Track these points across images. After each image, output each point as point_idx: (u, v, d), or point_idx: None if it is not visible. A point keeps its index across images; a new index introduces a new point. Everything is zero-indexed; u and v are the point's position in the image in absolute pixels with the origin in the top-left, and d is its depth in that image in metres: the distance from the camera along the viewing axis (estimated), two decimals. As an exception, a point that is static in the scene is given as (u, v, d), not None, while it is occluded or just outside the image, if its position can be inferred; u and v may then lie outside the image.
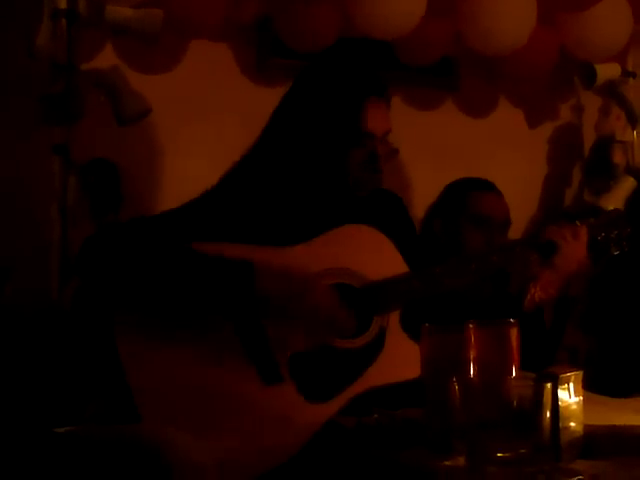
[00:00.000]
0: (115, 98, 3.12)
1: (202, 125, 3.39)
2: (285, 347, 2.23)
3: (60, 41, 3.05)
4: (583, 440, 1.83)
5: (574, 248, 2.52)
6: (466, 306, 2.49)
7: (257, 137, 2.42)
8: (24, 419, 2.72)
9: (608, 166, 3.97)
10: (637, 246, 2.64)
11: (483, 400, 1.71)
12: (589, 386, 1.91)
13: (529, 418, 1.68)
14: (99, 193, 3.15)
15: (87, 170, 3.13)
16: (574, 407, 1.82)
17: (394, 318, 2.33)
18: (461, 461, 1.75)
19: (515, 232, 3.39)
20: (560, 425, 1.78)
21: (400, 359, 2.26)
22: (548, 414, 1.70)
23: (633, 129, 4.02)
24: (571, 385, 1.81)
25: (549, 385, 1.72)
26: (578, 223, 2.56)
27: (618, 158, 3.97)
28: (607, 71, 3.87)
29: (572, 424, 1.81)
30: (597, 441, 1.85)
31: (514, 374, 1.91)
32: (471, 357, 1.91)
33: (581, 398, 1.83)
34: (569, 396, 1.81)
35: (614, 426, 1.96)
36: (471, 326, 1.93)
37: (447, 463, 1.80)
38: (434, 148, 3.76)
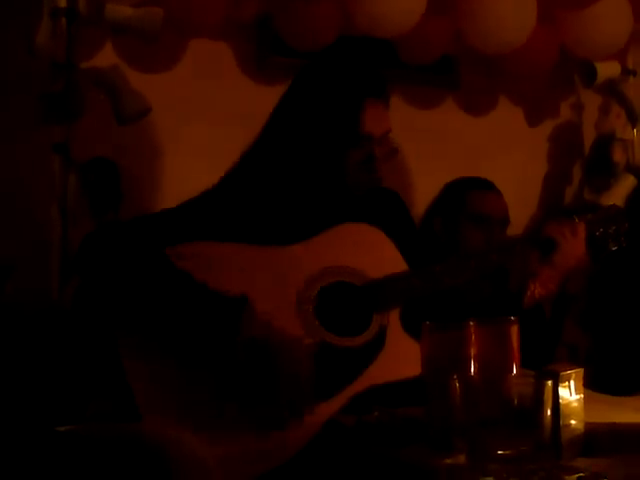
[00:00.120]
0: (115, 97, 3.12)
1: (202, 124, 3.38)
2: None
3: (60, 40, 3.05)
4: (584, 438, 1.83)
5: (573, 244, 2.52)
6: (466, 304, 2.50)
7: (256, 136, 2.42)
8: (25, 418, 2.72)
9: (608, 164, 3.97)
10: (636, 243, 2.65)
11: (484, 398, 1.71)
12: (589, 384, 1.91)
13: (530, 416, 1.68)
14: (99, 192, 3.15)
15: (87, 169, 3.13)
16: (575, 405, 1.82)
17: (394, 316, 2.33)
18: (462, 459, 1.75)
19: (515, 230, 3.39)
20: (561, 423, 1.78)
21: (400, 357, 2.26)
22: (549, 412, 1.70)
23: (633, 127, 4.02)
24: (572, 383, 1.81)
25: (550, 383, 1.72)
26: (576, 219, 2.56)
27: (618, 156, 3.97)
28: (607, 69, 3.87)
29: (573, 422, 1.81)
30: (598, 439, 1.85)
31: (515, 372, 1.91)
32: (472, 355, 1.91)
33: (582, 396, 1.83)
34: (570, 394, 1.81)
35: (614, 424, 1.96)
36: (471, 324, 1.93)
37: (448, 461, 1.80)
38: (434, 146, 3.76)
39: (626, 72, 3.98)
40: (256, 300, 2.19)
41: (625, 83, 3.99)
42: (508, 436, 1.67)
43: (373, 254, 2.34)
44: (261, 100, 3.34)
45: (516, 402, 1.68)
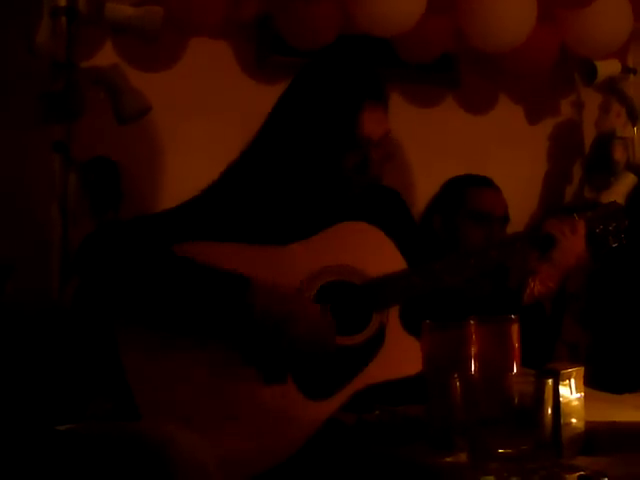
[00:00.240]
0: (115, 96, 3.12)
1: (202, 123, 3.38)
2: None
3: (60, 39, 3.05)
4: (584, 436, 1.84)
5: (572, 242, 2.52)
6: (466, 301, 2.50)
7: (255, 134, 2.42)
8: (25, 417, 2.72)
9: (609, 163, 3.97)
10: (636, 241, 2.65)
11: (484, 397, 1.71)
12: (589, 382, 1.91)
13: (530, 414, 1.68)
14: (99, 191, 3.15)
15: (87, 168, 3.13)
16: (575, 403, 1.82)
17: (394, 314, 2.33)
18: (462, 457, 1.75)
19: (516, 228, 3.39)
20: (561, 421, 1.78)
21: (400, 355, 2.26)
22: (549, 410, 1.70)
23: (633, 125, 4.02)
24: (572, 381, 1.82)
25: (550, 381, 1.72)
26: (576, 216, 2.56)
27: (619, 154, 3.97)
28: (607, 68, 3.87)
29: (573, 420, 1.82)
30: (598, 437, 1.85)
31: (515, 370, 1.91)
32: (472, 354, 1.91)
33: (582, 394, 1.84)
34: (570, 392, 1.81)
35: (615, 422, 1.96)
36: (472, 323, 1.93)
37: (448, 460, 1.80)
38: (435, 145, 3.76)
39: (626, 70, 3.98)
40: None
41: (625, 81, 4.00)
42: (509, 435, 1.66)
43: (372, 253, 2.34)
44: (261, 99, 3.33)
45: (516, 401, 1.68)
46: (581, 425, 1.84)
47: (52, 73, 3.06)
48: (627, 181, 3.92)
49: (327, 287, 2.28)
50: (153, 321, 2.19)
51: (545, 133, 4.15)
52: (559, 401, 1.78)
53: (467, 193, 3.25)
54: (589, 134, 4.16)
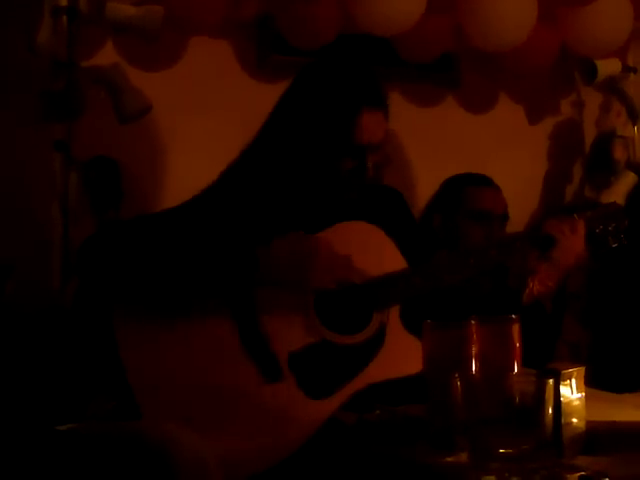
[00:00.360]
0: (116, 95, 3.12)
1: (202, 122, 3.38)
2: (285, 343, 2.23)
3: (61, 38, 3.05)
4: (585, 436, 1.84)
5: (572, 241, 2.53)
6: (466, 301, 2.50)
7: (255, 134, 2.42)
8: (25, 417, 2.72)
9: (609, 162, 3.97)
10: (636, 241, 2.65)
11: (485, 396, 1.71)
12: (590, 381, 1.91)
13: (531, 414, 1.68)
14: (100, 190, 3.15)
15: (88, 167, 3.13)
16: (576, 403, 1.82)
17: (394, 314, 2.33)
18: (463, 457, 1.75)
19: (516, 228, 3.39)
20: (562, 421, 1.78)
21: (400, 354, 2.26)
22: (550, 410, 1.70)
23: (634, 125, 4.02)
24: (573, 381, 1.82)
25: (551, 381, 1.72)
26: (576, 216, 2.57)
27: (619, 154, 3.97)
28: (608, 67, 3.87)
29: (574, 420, 1.82)
30: (599, 437, 1.86)
31: (516, 370, 1.91)
32: (473, 353, 1.91)
33: (583, 394, 1.84)
34: (571, 392, 1.81)
35: (615, 422, 1.96)
36: (473, 322, 1.93)
37: (449, 459, 1.80)
38: (435, 144, 3.76)
39: (626, 69, 3.98)
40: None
41: (625, 81, 4.00)
42: (509, 434, 1.66)
43: (373, 252, 2.34)
44: (261, 98, 3.33)
45: (517, 400, 1.68)
46: (582, 425, 1.84)
47: (53, 72, 3.07)
48: (627, 180, 3.92)
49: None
50: (153, 318, 2.19)
51: (545, 132, 4.15)
52: (560, 401, 1.78)
53: (466, 192, 3.24)
54: (589, 133, 4.16)
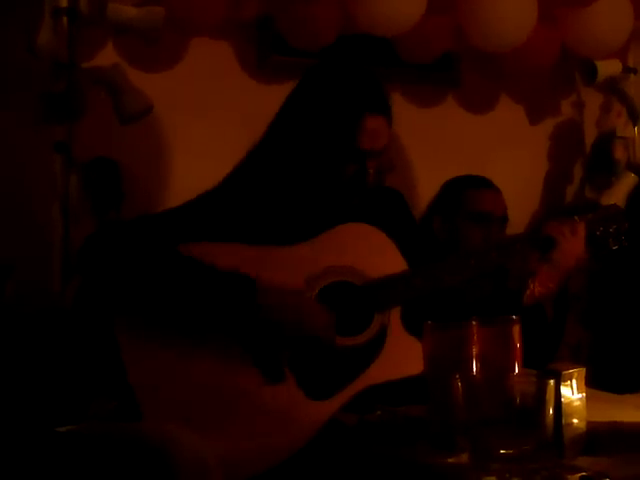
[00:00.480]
0: (116, 96, 3.12)
1: (203, 122, 3.38)
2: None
3: (61, 39, 3.05)
4: (586, 437, 1.84)
5: (572, 243, 2.53)
6: (466, 302, 2.50)
7: (261, 137, 2.42)
8: (26, 418, 2.72)
9: (609, 162, 3.97)
10: (637, 242, 2.65)
11: (486, 397, 1.71)
12: (590, 382, 1.91)
13: (532, 415, 1.68)
14: (100, 191, 3.15)
15: (88, 168, 3.13)
16: (577, 404, 1.82)
17: (395, 315, 2.33)
18: (464, 458, 1.76)
19: (516, 229, 3.39)
20: (563, 422, 1.78)
21: (401, 356, 2.26)
22: (551, 411, 1.70)
23: (634, 125, 4.02)
24: (574, 382, 1.82)
25: (552, 382, 1.72)
26: (576, 218, 2.57)
27: (619, 154, 3.97)
28: (608, 67, 3.87)
29: (575, 421, 1.82)
30: (600, 438, 1.86)
31: (517, 371, 1.92)
32: (474, 354, 1.91)
33: (584, 395, 1.84)
34: (572, 393, 1.81)
35: (616, 423, 1.96)
36: (474, 323, 1.93)
37: (450, 460, 1.80)
38: (435, 145, 3.76)
39: (627, 70, 3.97)
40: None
41: (626, 81, 3.99)
42: (510, 435, 1.67)
43: (374, 254, 2.35)
44: (262, 99, 3.35)
45: (518, 401, 1.68)
46: (583, 425, 1.84)
47: (53, 73, 3.06)
48: (628, 181, 3.92)
49: (329, 288, 2.28)
50: (155, 319, 2.19)
51: (546, 133, 4.14)
52: (561, 401, 1.78)
53: (466, 194, 3.24)
54: (590, 134, 4.16)
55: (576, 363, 1.90)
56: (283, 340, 2.20)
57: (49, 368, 2.85)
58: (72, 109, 3.05)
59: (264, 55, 3.55)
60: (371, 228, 2.37)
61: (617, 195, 3.81)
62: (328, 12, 3.32)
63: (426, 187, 3.51)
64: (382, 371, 2.27)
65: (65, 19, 3.07)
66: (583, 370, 1.85)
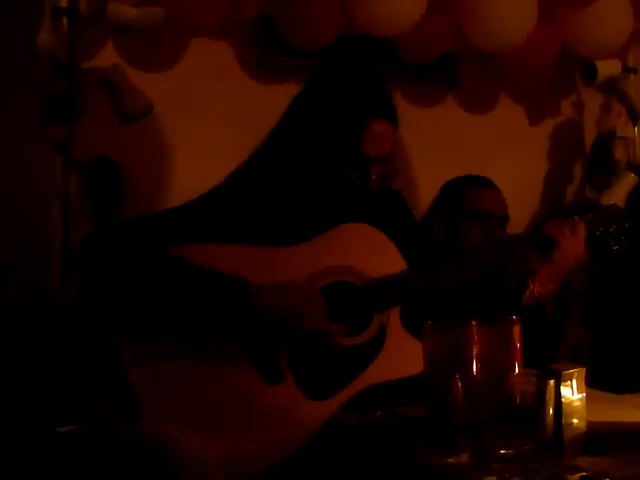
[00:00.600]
0: (116, 96, 3.12)
1: (202, 123, 3.38)
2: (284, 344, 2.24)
3: (61, 39, 3.05)
4: (586, 437, 1.84)
5: (572, 244, 2.53)
6: (466, 302, 2.50)
7: (264, 138, 2.42)
8: (26, 418, 2.72)
9: (609, 162, 3.97)
10: (637, 242, 2.65)
11: (486, 397, 1.71)
12: (590, 382, 1.92)
13: (532, 415, 1.68)
14: (100, 191, 3.15)
15: (89, 168, 3.13)
16: (577, 404, 1.83)
17: (395, 315, 2.33)
18: (464, 458, 1.76)
19: (516, 229, 3.39)
20: (563, 422, 1.78)
21: (401, 356, 2.27)
22: (551, 411, 1.70)
23: (634, 125, 4.02)
24: (574, 382, 1.82)
25: (552, 382, 1.72)
26: (576, 218, 2.57)
27: (619, 154, 3.97)
28: (608, 68, 3.87)
29: (575, 421, 1.82)
30: (600, 438, 1.86)
31: (517, 371, 1.92)
32: (474, 354, 1.91)
33: (584, 395, 1.84)
34: (572, 393, 1.81)
35: (616, 423, 1.96)
36: (474, 323, 1.93)
37: (450, 460, 1.81)
38: (435, 145, 3.76)
39: (627, 70, 3.97)
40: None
41: (626, 81, 3.99)
42: (510, 435, 1.67)
43: (374, 254, 2.35)
44: (261, 99, 3.35)
45: (518, 401, 1.68)
46: (582, 425, 1.84)
47: (53, 74, 3.06)
48: (628, 181, 3.92)
49: (329, 288, 2.28)
50: (154, 318, 2.19)
51: (546, 133, 4.14)
52: (561, 401, 1.78)
53: (466, 193, 3.24)
54: (590, 134, 4.15)
55: (576, 363, 1.90)
56: (282, 338, 2.20)
57: (49, 368, 2.85)
58: (72, 109, 3.05)
59: (264, 55, 3.55)
60: (371, 228, 2.37)
61: (617, 195, 3.81)
62: (328, 12, 3.32)
63: (426, 187, 3.51)
64: (382, 371, 2.27)
65: (65, 19, 3.06)
66: (583, 370, 1.85)
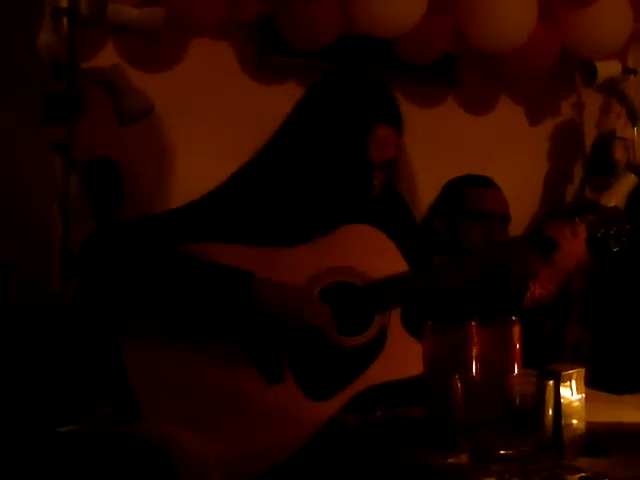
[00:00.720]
0: (116, 97, 3.12)
1: (203, 123, 3.38)
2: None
3: (61, 40, 3.04)
4: (585, 437, 1.84)
5: (573, 245, 2.53)
6: (467, 303, 2.50)
7: (268, 140, 2.42)
8: (26, 418, 2.72)
9: (609, 163, 3.97)
10: (637, 243, 2.65)
11: (486, 398, 1.71)
12: (590, 382, 1.92)
13: (532, 415, 1.68)
14: (100, 192, 3.15)
15: (89, 169, 3.13)
16: (576, 404, 1.83)
17: (395, 316, 2.33)
18: (464, 458, 1.76)
19: (516, 229, 3.39)
20: (562, 422, 1.79)
21: (401, 356, 2.27)
22: (550, 411, 1.71)
23: (634, 126, 4.02)
24: (573, 382, 1.82)
25: (551, 382, 1.72)
26: (577, 220, 2.57)
27: (619, 155, 3.97)
28: (608, 68, 3.87)
29: (574, 421, 1.82)
30: (599, 438, 1.86)
31: (516, 371, 1.92)
32: (473, 355, 1.92)
33: (583, 395, 1.84)
34: (571, 393, 1.81)
35: (616, 423, 1.96)
36: (473, 324, 1.93)
37: (450, 461, 1.81)
38: (436, 145, 3.76)
39: (626, 71, 3.97)
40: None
41: (626, 82, 3.99)
42: (510, 436, 1.67)
43: (375, 255, 2.35)
44: (262, 99, 3.35)
45: (518, 402, 1.68)
46: (582, 426, 1.84)
47: (53, 74, 3.06)
48: (627, 181, 3.92)
49: (330, 288, 2.28)
50: (156, 318, 2.19)
51: (546, 133, 4.15)
52: (560, 402, 1.78)
53: (466, 193, 3.24)
54: (589, 135, 4.16)
55: (575, 364, 1.91)
56: (281, 335, 2.20)
57: (49, 368, 2.86)
58: (72, 109, 3.05)
59: (264, 55, 3.55)
60: (372, 229, 2.38)
61: (617, 196, 3.81)
62: (328, 12, 3.32)
63: (427, 187, 3.51)
64: (382, 372, 2.28)
65: (65, 19, 3.06)
66: (582, 371, 1.85)
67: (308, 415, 2.19)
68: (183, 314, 2.20)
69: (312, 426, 2.18)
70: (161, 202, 3.25)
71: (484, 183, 3.29)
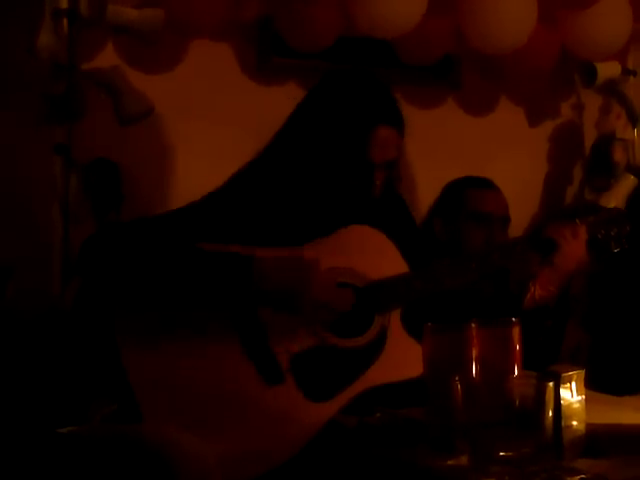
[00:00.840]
0: (116, 98, 3.12)
1: (203, 124, 3.38)
2: (285, 346, 2.23)
3: (61, 41, 3.05)
4: (585, 439, 1.84)
5: (573, 247, 2.53)
6: (467, 305, 2.50)
7: (269, 141, 2.42)
8: (26, 420, 2.72)
9: (609, 164, 3.97)
10: (637, 244, 2.65)
11: (485, 399, 1.71)
12: (590, 384, 1.92)
13: (531, 417, 1.68)
14: (100, 193, 3.15)
15: (88, 170, 3.13)
16: (576, 406, 1.83)
17: (395, 317, 2.34)
18: (464, 460, 1.76)
19: (516, 230, 3.39)
20: (562, 424, 1.78)
21: (401, 358, 2.27)
22: (550, 413, 1.71)
23: (634, 127, 4.02)
24: (573, 384, 1.82)
25: (551, 384, 1.72)
26: (578, 221, 2.57)
27: (619, 156, 3.97)
28: (607, 70, 3.87)
29: (574, 423, 1.82)
30: (599, 440, 1.86)
31: (516, 373, 1.92)
32: (473, 356, 1.92)
33: (583, 397, 1.84)
34: (571, 395, 1.81)
35: (616, 425, 1.96)
36: (473, 325, 1.93)
37: (450, 462, 1.81)
38: (435, 146, 3.76)
39: (626, 72, 3.98)
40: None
41: (625, 83, 3.99)
42: (510, 437, 1.67)
43: (375, 256, 2.35)
44: (261, 100, 3.35)
45: (518, 403, 1.68)
46: (582, 427, 1.84)
47: (53, 75, 3.06)
48: (627, 183, 3.92)
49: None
50: (156, 318, 2.19)
51: (545, 135, 4.15)
52: (560, 404, 1.78)
53: (467, 195, 3.24)
54: (589, 136, 4.16)
55: (575, 365, 1.90)
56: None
57: (49, 370, 2.86)
58: (72, 110, 3.05)
59: (264, 56, 3.55)
60: (372, 230, 2.38)
61: (616, 197, 3.81)
62: (328, 13, 3.32)
63: (427, 189, 3.51)
64: (382, 373, 2.28)
65: (65, 20, 3.06)
66: (582, 372, 1.86)
67: (308, 416, 2.20)
68: (183, 310, 2.20)
69: (312, 427, 2.18)
70: (161, 203, 3.25)
71: (484, 184, 3.29)
